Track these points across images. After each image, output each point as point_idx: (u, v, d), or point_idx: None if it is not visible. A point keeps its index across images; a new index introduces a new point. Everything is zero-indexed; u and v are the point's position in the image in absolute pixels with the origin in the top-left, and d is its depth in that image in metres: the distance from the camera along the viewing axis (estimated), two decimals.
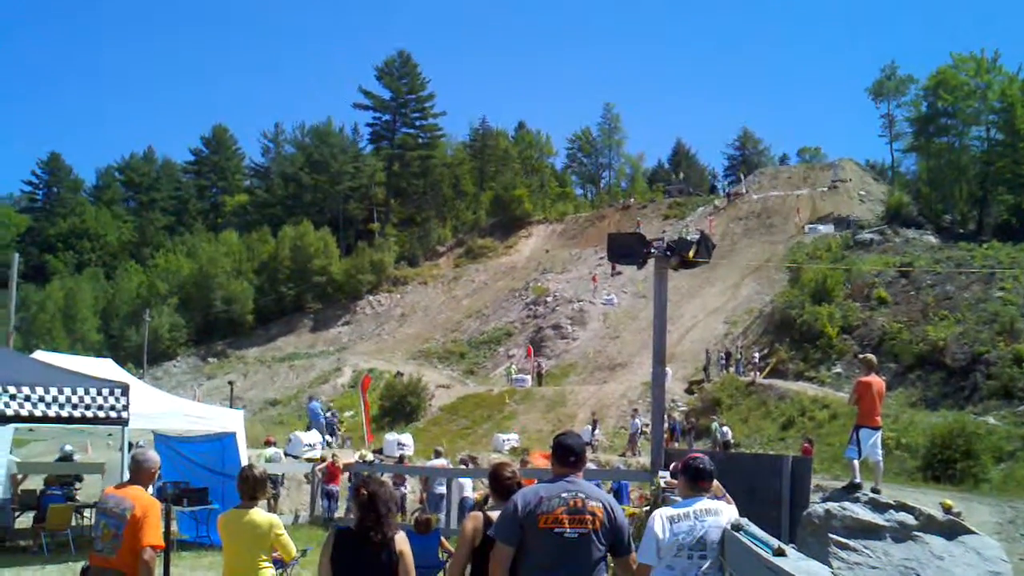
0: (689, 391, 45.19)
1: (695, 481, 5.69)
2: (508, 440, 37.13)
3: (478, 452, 33.65)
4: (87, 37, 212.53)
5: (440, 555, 12.25)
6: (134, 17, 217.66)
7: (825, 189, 75.45)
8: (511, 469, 5.84)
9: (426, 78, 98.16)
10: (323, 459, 22.12)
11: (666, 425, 36.37)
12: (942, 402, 36.43)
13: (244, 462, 15.13)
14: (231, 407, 34.37)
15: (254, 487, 6.68)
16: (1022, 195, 58.78)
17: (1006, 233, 56.49)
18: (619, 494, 20.50)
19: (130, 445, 11.80)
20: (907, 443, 31.41)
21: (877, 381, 12.24)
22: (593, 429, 38.64)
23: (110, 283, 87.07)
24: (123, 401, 11.25)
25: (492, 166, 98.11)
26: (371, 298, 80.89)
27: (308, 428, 33.01)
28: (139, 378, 21.02)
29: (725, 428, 34.30)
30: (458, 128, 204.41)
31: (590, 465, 26.12)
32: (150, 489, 6.89)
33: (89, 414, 10.87)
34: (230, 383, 56.93)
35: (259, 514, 6.62)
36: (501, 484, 5.68)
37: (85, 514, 16.21)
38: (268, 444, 23.72)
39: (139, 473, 6.81)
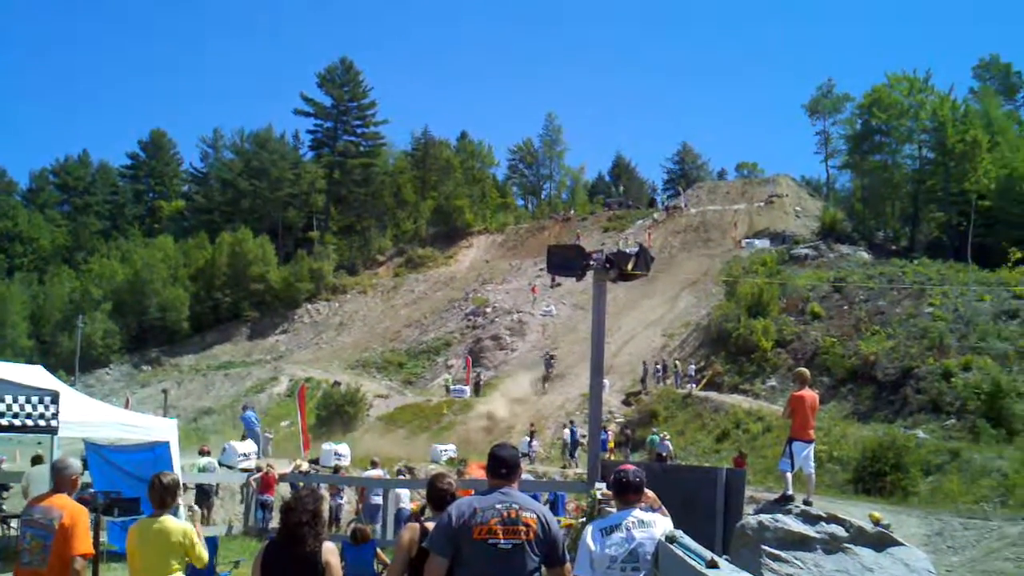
0: (626, 403, 45.52)
1: (620, 494, 5.74)
2: (445, 451, 37.04)
3: (415, 463, 33.52)
4: (20, 37, 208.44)
5: (376, 566, 12.21)
6: (70, 17, 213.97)
7: (762, 204, 76.48)
8: (448, 480, 5.85)
9: (368, 86, 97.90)
10: (258, 469, 21.89)
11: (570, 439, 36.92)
12: (873, 415, 37.07)
13: (178, 472, 14.94)
14: (165, 416, 33.92)
15: (161, 494, 6.62)
16: (952, 213, 60.10)
17: (936, 250, 57.78)
18: (555, 505, 20.57)
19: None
20: (839, 456, 31.90)
21: (810, 395, 12.44)
22: (531, 440, 38.72)
23: (42, 288, 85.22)
24: (52, 409, 11.01)
25: (434, 176, 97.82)
26: (309, 306, 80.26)
27: (243, 438, 32.62)
28: (70, 385, 20.63)
29: (667, 441, 34.46)
30: (400, 137, 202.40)
31: (527, 476, 26.19)
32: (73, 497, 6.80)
33: (17, 422, 10.62)
34: (164, 391, 56.19)
35: (172, 522, 6.57)
36: (437, 495, 5.69)
37: (12, 524, 15.85)
38: (202, 453, 23.43)
39: (61, 481, 6.72)
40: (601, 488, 10.02)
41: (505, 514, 4.98)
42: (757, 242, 65.62)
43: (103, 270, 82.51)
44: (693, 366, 46.11)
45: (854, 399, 39.06)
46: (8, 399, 10.56)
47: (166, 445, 15.77)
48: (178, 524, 6.62)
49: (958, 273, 48.13)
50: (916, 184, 63.96)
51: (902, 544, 10.69)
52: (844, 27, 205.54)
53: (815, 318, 46.19)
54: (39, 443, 14.95)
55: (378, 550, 12.48)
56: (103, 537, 12.03)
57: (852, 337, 42.70)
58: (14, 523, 15.74)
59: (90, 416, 14.58)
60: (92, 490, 12.29)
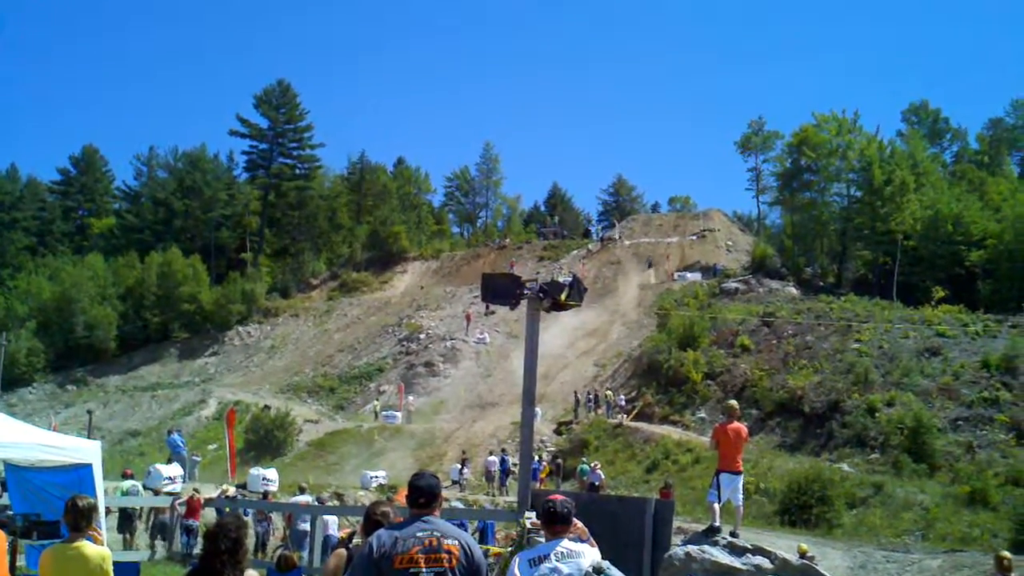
0: (558, 432, 45.58)
1: (549, 524, 5.78)
2: (376, 477, 36.78)
3: (345, 489, 33.28)
4: None
5: None
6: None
7: (694, 238, 77.51)
8: (383, 509, 5.85)
9: (305, 109, 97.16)
10: (177, 495, 21.47)
11: (495, 467, 36.84)
12: (800, 448, 37.59)
13: (100, 495, 14.63)
14: (89, 437, 33.15)
15: (76, 517, 6.52)
16: (878, 251, 61.32)
17: (863, 287, 58.92)
18: (485, 533, 20.55)
19: None
20: (766, 488, 32.24)
21: (733, 426, 12.57)
22: (462, 468, 38.61)
23: None
24: None
25: (370, 200, 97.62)
26: (241, 329, 79.16)
27: (169, 461, 32.06)
28: None
29: (599, 471, 34.48)
30: (336, 160, 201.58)
31: (457, 504, 26.13)
32: None
33: None
34: (89, 412, 54.90)
35: (89, 547, 6.49)
36: (369, 523, 5.69)
37: None
38: (126, 476, 22.98)
39: None
40: (530, 517, 10.06)
41: (427, 542, 5.00)
42: (689, 275, 66.40)
43: (29, 287, 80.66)
44: (623, 396, 46.38)
45: (782, 432, 39.54)
46: None
47: (89, 468, 15.43)
48: (96, 549, 6.52)
49: (883, 310, 49.03)
50: (844, 222, 65.12)
51: None
52: (777, 67, 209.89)
53: (744, 351, 46.73)
54: None
55: None
56: (21, 560, 11.74)
57: (780, 371, 43.28)
58: None
59: (10, 436, 14.24)
60: (10, 512, 11.99)
